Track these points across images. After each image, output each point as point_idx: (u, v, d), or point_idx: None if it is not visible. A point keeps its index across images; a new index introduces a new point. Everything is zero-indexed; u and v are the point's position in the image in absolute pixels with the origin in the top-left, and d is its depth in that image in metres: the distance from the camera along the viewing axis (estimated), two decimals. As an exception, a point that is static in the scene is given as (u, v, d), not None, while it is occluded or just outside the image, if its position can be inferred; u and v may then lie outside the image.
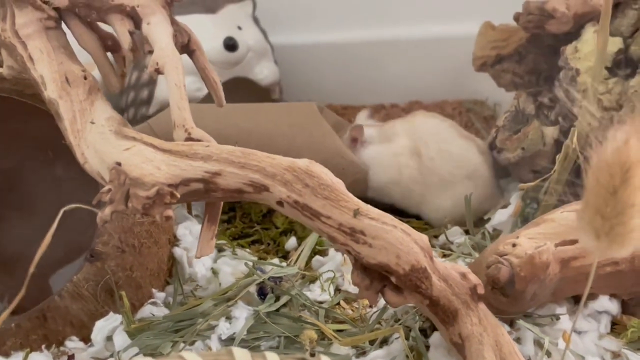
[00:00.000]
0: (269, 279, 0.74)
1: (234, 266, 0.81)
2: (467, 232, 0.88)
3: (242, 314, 0.70)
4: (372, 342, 0.67)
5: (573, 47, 0.85)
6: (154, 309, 0.73)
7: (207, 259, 0.81)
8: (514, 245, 0.62)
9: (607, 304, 0.67)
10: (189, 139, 0.60)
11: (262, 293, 0.74)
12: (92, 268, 0.70)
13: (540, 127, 0.88)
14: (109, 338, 0.69)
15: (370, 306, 0.74)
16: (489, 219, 0.87)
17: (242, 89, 1.12)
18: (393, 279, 0.56)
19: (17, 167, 0.86)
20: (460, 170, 0.93)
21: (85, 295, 0.70)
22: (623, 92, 0.80)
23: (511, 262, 0.60)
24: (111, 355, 0.68)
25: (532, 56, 0.95)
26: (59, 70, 0.64)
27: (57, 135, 0.64)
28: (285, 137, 0.91)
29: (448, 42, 1.19)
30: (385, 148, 0.95)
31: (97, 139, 0.60)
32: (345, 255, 0.79)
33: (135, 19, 0.67)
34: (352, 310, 0.74)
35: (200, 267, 0.80)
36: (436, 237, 0.90)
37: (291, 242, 0.89)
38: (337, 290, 0.78)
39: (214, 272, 0.80)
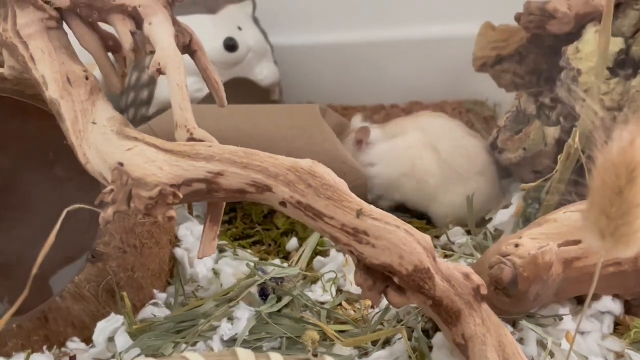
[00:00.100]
0: (270, 279, 0.74)
1: (235, 267, 0.81)
2: (468, 232, 0.88)
3: (243, 314, 0.70)
4: (374, 343, 0.67)
5: (574, 47, 0.84)
6: (156, 310, 0.73)
7: (208, 259, 0.80)
8: (516, 245, 0.62)
9: (610, 304, 0.67)
10: (191, 139, 0.60)
11: (263, 294, 0.74)
12: (94, 269, 0.70)
13: (541, 127, 0.88)
14: (111, 339, 0.69)
15: (372, 307, 0.73)
16: (490, 219, 0.87)
17: (242, 90, 1.12)
18: (396, 280, 0.56)
19: (17, 168, 0.86)
20: (474, 167, 0.93)
21: (86, 295, 0.69)
22: (624, 92, 0.80)
23: (514, 262, 0.60)
24: (113, 356, 0.68)
25: (532, 56, 0.95)
26: (60, 71, 0.64)
27: (58, 136, 0.64)
28: (285, 139, 0.91)
29: (448, 42, 1.19)
30: (395, 142, 0.95)
31: (99, 139, 0.60)
32: (347, 255, 0.79)
33: (136, 19, 0.66)
34: (354, 310, 0.74)
35: (202, 268, 0.80)
36: (437, 237, 0.90)
37: (292, 242, 0.89)
38: (339, 290, 0.78)
39: (215, 273, 0.79)
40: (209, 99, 0.93)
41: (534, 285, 0.60)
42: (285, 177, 0.57)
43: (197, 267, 0.80)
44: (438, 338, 0.63)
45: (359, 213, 0.56)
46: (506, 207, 0.86)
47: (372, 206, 0.57)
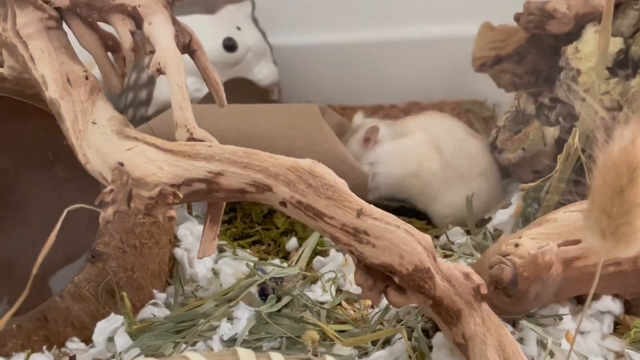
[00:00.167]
0: (270, 279, 0.74)
1: (234, 267, 0.81)
2: (468, 232, 0.88)
3: (243, 314, 0.70)
4: (374, 343, 0.67)
5: (574, 47, 0.85)
6: (155, 310, 0.73)
7: (208, 259, 0.80)
8: (516, 245, 0.62)
9: (610, 304, 0.67)
10: (191, 139, 0.60)
11: (263, 294, 0.74)
12: (93, 269, 0.70)
13: (541, 127, 0.88)
14: (111, 339, 0.69)
15: (372, 307, 0.73)
16: (489, 219, 0.87)
17: (241, 90, 1.11)
18: (396, 279, 0.56)
19: (17, 168, 0.86)
20: (476, 167, 0.94)
21: (86, 296, 0.69)
22: (624, 92, 0.80)
23: (514, 262, 0.60)
24: (112, 356, 0.68)
25: (531, 57, 0.95)
26: (60, 71, 0.64)
27: (58, 136, 0.64)
28: (285, 139, 0.91)
29: (447, 42, 1.19)
30: (402, 142, 0.95)
31: (99, 139, 0.60)
32: (347, 255, 0.79)
33: (136, 19, 0.66)
34: (354, 310, 0.74)
35: (201, 268, 0.80)
36: (437, 237, 0.90)
37: (292, 242, 0.89)
38: (339, 290, 0.77)
39: (215, 273, 0.79)
40: (208, 99, 0.93)
41: (534, 285, 0.60)
42: (286, 177, 0.57)
43: (196, 267, 0.80)
44: (438, 338, 0.63)
45: (360, 213, 0.56)
46: (506, 207, 0.87)
47: (372, 206, 0.57)
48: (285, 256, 0.88)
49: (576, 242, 0.63)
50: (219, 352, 0.64)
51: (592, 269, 0.62)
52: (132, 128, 0.62)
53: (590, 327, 0.66)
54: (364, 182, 0.92)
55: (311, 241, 0.86)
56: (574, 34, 0.87)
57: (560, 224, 0.65)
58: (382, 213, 0.57)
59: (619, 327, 0.68)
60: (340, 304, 0.75)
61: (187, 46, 0.68)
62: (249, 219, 0.95)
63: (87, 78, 0.65)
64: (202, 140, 0.60)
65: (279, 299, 0.73)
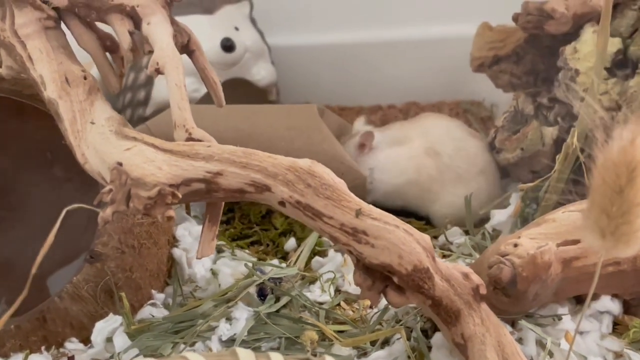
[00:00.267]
0: (269, 279, 0.74)
1: (233, 267, 0.81)
2: (466, 232, 0.88)
3: (242, 314, 0.70)
4: (373, 343, 0.67)
5: (572, 47, 0.85)
6: (154, 310, 0.73)
7: (206, 260, 0.80)
8: (515, 245, 0.62)
9: (609, 304, 0.67)
10: (190, 139, 0.60)
11: (262, 294, 0.74)
12: (92, 269, 0.70)
13: (539, 127, 0.88)
14: (109, 339, 0.69)
15: (371, 307, 0.73)
16: (488, 219, 0.87)
17: (239, 90, 1.12)
18: (395, 279, 0.56)
19: (16, 168, 0.86)
20: (475, 167, 0.94)
21: (84, 296, 0.69)
22: (622, 92, 0.80)
23: (513, 262, 0.60)
24: (111, 357, 0.68)
25: (530, 57, 0.95)
26: (58, 70, 0.64)
27: (56, 136, 0.64)
28: (284, 139, 0.91)
29: (445, 43, 1.19)
30: (399, 151, 0.95)
31: (98, 139, 0.60)
32: (346, 255, 0.79)
33: (135, 19, 0.66)
34: (353, 311, 0.74)
35: (200, 268, 0.80)
36: (436, 237, 0.90)
37: (290, 243, 0.89)
38: (337, 291, 0.77)
39: (214, 273, 0.79)
40: (206, 99, 0.93)
41: (533, 285, 0.60)
42: (285, 176, 0.57)
43: (195, 268, 0.80)
44: (437, 338, 0.63)
45: (358, 213, 0.56)
46: (504, 207, 0.87)
47: (371, 206, 0.57)
48: (284, 256, 0.88)
49: (575, 242, 0.63)
50: (217, 352, 0.64)
51: (591, 269, 0.62)
52: (131, 128, 0.62)
53: (589, 327, 0.66)
54: (362, 183, 0.92)
55: (310, 241, 0.86)
56: (573, 34, 0.87)
57: (559, 223, 0.65)
58: (381, 213, 0.57)
59: (618, 327, 0.68)
60: (339, 304, 0.75)
61: (186, 46, 0.68)
62: (247, 220, 0.95)
63: (85, 78, 0.65)
64: (200, 140, 0.60)
65: (277, 300, 0.72)
